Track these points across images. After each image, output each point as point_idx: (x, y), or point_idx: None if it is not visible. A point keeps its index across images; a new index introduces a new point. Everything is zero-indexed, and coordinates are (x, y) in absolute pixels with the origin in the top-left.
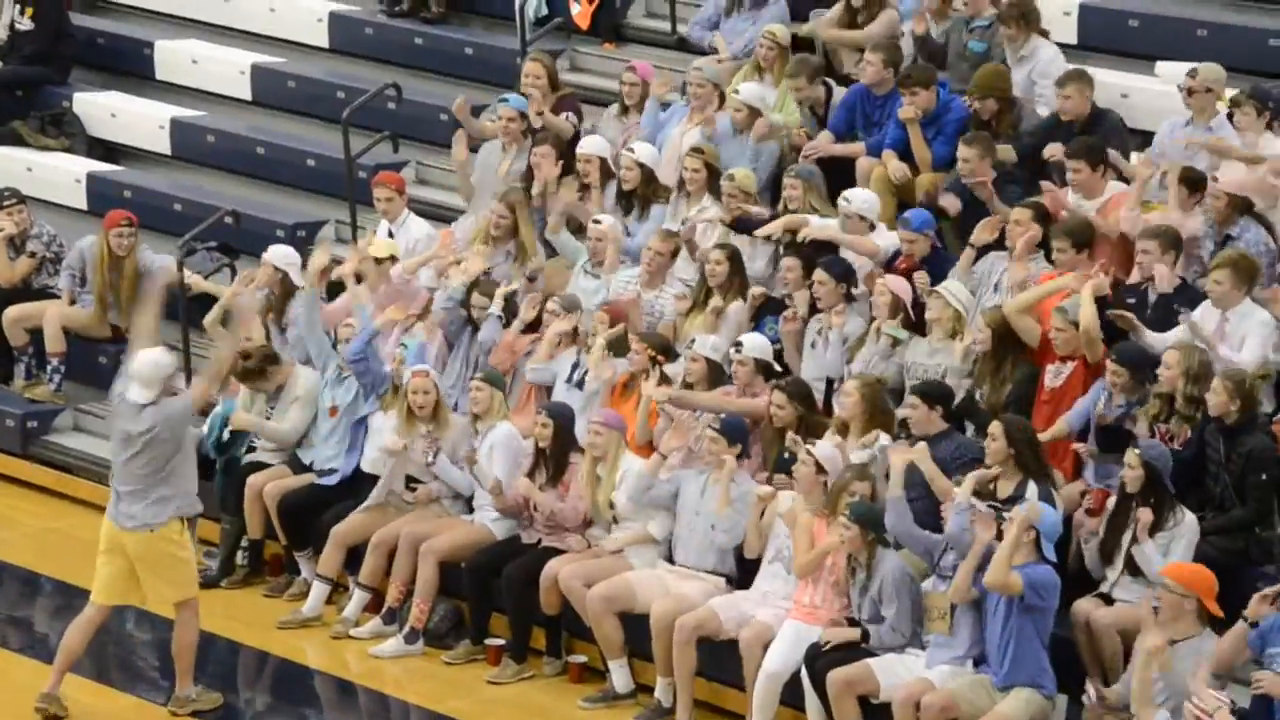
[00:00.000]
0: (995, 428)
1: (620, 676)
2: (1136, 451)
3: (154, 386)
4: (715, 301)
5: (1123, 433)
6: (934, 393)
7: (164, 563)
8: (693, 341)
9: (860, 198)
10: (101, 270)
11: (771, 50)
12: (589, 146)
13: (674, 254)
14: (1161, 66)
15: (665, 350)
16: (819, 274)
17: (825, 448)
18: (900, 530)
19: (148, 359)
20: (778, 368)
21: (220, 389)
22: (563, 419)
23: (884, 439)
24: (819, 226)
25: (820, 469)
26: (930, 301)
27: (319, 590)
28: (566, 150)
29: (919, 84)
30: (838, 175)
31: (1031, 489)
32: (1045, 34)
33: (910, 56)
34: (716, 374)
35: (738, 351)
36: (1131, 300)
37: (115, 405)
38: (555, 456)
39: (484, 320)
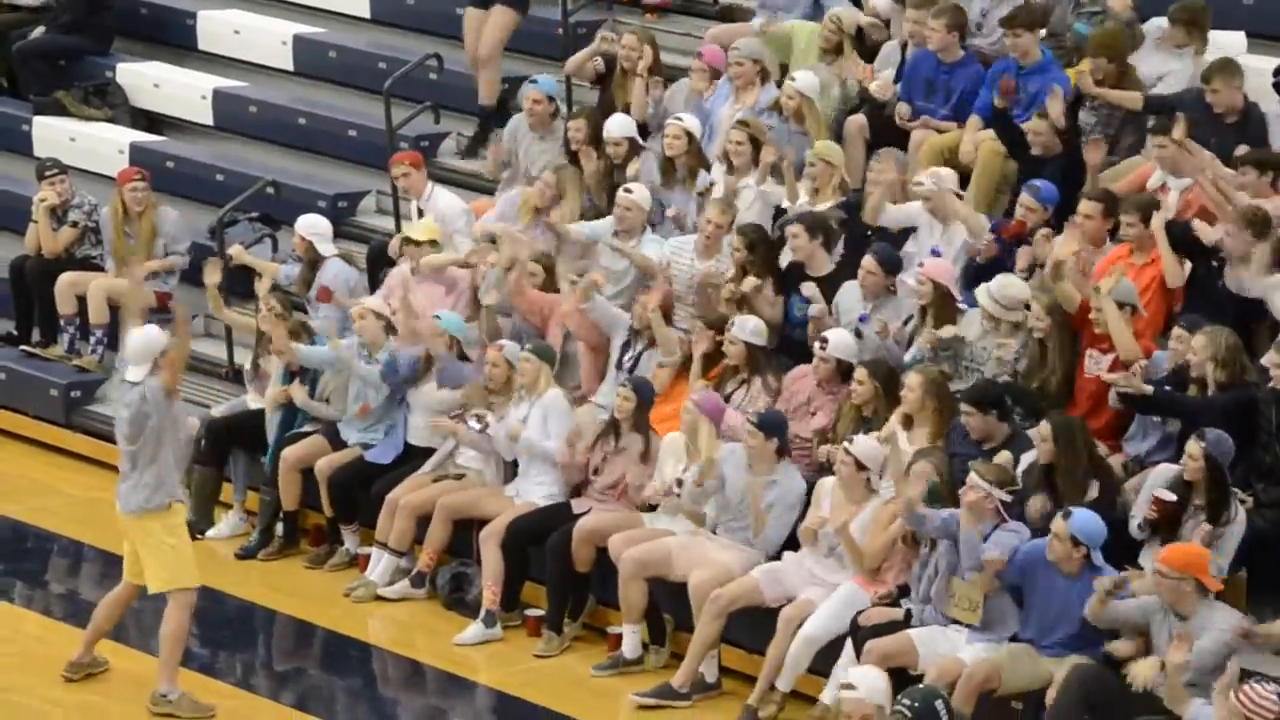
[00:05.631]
0: (1044, 429)
1: (631, 643)
2: (1202, 444)
3: (144, 363)
4: (747, 283)
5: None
6: (985, 398)
7: (150, 546)
8: (731, 324)
9: (944, 175)
10: (118, 228)
11: (835, 35)
12: (616, 128)
13: (731, 225)
14: (1213, 36)
15: (722, 327)
16: (867, 261)
17: (864, 444)
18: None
19: (137, 336)
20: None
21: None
22: (645, 393)
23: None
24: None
25: (860, 465)
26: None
27: (389, 562)
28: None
29: (1024, 25)
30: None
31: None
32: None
33: None
34: (755, 357)
35: (822, 348)
36: None
37: (115, 384)
38: (629, 429)
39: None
